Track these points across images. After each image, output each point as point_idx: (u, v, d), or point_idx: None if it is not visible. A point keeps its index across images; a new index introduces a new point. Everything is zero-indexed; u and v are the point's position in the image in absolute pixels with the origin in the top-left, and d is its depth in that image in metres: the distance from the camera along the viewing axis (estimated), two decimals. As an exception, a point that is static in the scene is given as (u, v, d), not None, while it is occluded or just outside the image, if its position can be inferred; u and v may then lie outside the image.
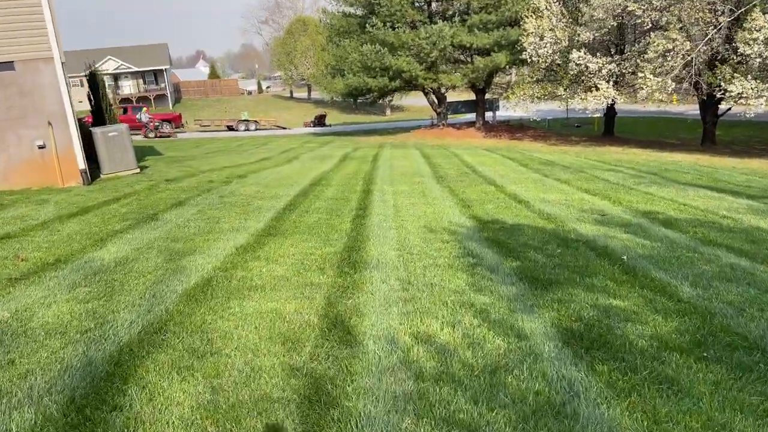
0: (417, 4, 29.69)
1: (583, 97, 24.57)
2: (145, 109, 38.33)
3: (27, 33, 10.38)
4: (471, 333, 4.11)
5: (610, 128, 30.15)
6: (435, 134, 31.69)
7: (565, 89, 26.17)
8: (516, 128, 33.05)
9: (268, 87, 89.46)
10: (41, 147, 10.86)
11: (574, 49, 23.64)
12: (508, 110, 30.00)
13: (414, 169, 15.90)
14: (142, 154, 20.87)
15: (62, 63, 10.77)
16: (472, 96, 39.23)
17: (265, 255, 6.23)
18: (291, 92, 75.20)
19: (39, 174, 10.96)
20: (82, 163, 11.20)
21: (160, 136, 33.79)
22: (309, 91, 72.06)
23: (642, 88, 21.94)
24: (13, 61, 10.44)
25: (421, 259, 6.17)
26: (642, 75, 21.84)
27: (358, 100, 49.49)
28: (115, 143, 12.05)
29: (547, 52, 25.07)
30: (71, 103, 10.98)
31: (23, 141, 10.77)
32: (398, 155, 20.66)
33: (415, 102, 58.93)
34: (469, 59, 31.03)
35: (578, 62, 23.24)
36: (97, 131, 11.99)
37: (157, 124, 34.64)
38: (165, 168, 14.57)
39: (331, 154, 20.94)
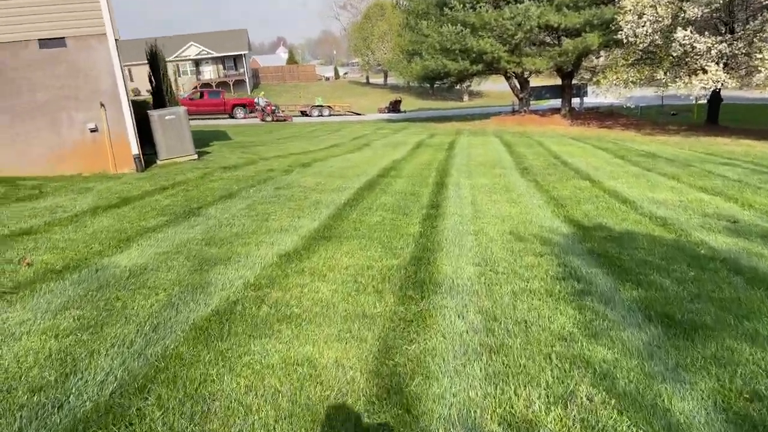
0: (501, -18, 27.67)
1: (686, 81, 21.93)
2: (262, 93, 38.94)
3: (79, 7, 9.64)
4: (594, 420, 2.70)
5: (713, 116, 27.09)
6: (516, 121, 29.69)
7: (665, 72, 23.54)
8: (605, 116, 30.49)
9: (345, 73, 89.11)
10: (93, 130, 10.17)
11: (679, 28, 21.06)
12: (598, 96, 27.56)
13: (494, 159, 14.33)
14: (211, 138, 20.35)
15: (116, 40, 9.99)
16: (556, 81, 36.73)
17: (312, 267, 5.01)
18: (367, 78, 74.33)
19: (91, 159, 10.28)
20: (135, 148, 10.44)
21: (276, 120, 33.78)
22: (385, 76, 70.95)
23: (760, 71, 19.22)
24: (64, 38, 9.75)
25: (509, 281, 4.76)
26: (760, 56, 19.11)
27: (435, 85, 47.92)
28: (172, 127, 11.26)
29: (646, 32, 22.54)
30: (125, 84, 10.21)
31: (75, 123, 10.11)
32: (476, 143, 19.07)
33: (494, 87, 56.52)
34: (555, 41, 28.75)
35: (683, 42, 20.68)
36: (154, 114, 11.23)
37: (273, 108, 34.65)
38: (226, 154, 13.73)
39: (404, 141, 19.63)
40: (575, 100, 32.31)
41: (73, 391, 2.79)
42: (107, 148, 10.30)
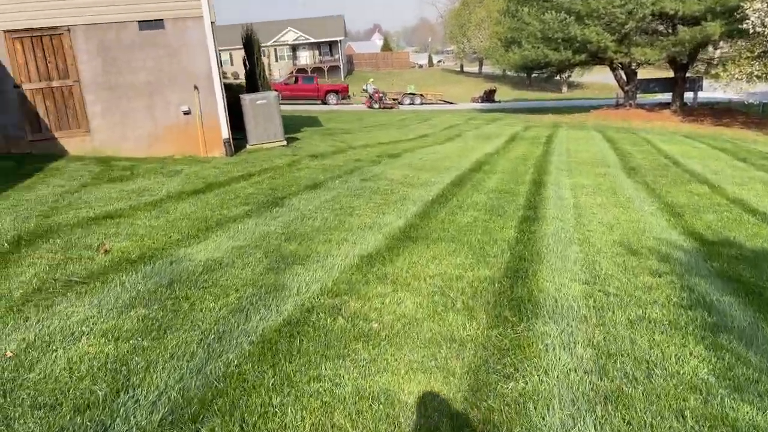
0: (611, -34, 25.83)
1: (823, 76, 19.60)
2: (371, 80, 39.89)
3: (177, -12, 9.66)
4: None
5: None
6: (620, 115, 27.83)
7: (797, 66, 21.18)
8: (722, 112, 27.95)
9: (439, 61, 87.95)
10: (186, 113, 10.21)
11: (818, 16, 18.77)
12: (716, 91, 25.26)
13: (597, 156, 13.28)
14: (302, 124, 20.40)
15: (212, 23, 9.94)
16: (666, 73, 34.16)
17: (395, 273, 4.54)
18: (461, 66, 72.93)
19: (182, 142, 10.34)
20: (225, 132, 10.39)
21: (384, 107, 34.01)
22: (480, 65, 69.27)
23: None
24: (162, 20, 9.80)
25: (624, 306, 4.07)
26: None
27: (533, 75, 46.10)
28: (262, 112, 11.14)
29: (778, 20, 20.31)
30: (219, 67, 10.16)
31: (169, 106, 10.18)
32: (576, 138, 17.90)
33: (595, 79, 53.66)
34: (669, 30, 26.59)
35: (825, 32, 18.40)
36: (245, 98, 11.15)
37: (381, 95, 34.91)
38: (316, 141, 13.53)
39: (498, 133, 18.76)
40: (688, 95, 29.87)
41: (121, 413, 2.47)
42: (198, 131, 10.32)
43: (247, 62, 13.88)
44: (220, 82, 10.22)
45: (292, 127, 17.93)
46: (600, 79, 53.89)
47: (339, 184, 8.11)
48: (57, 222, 5.57)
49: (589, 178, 10.09)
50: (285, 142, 11.78)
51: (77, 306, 3.60)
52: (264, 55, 63.34)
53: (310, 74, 41.79)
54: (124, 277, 4.16)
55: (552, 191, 8.63)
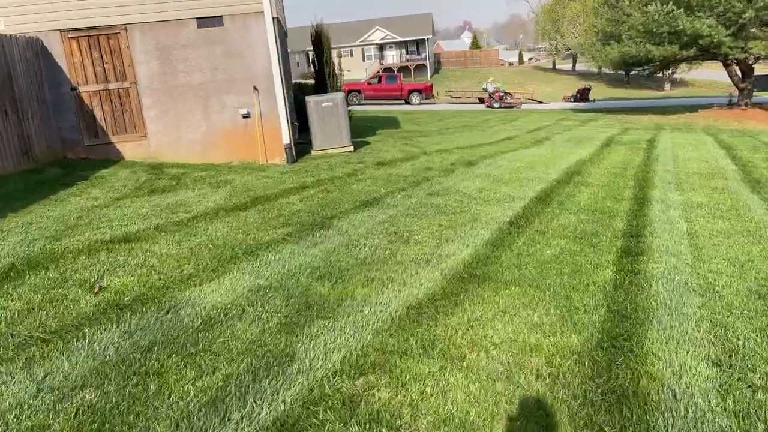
0: (728, -51, 23.05)
1: None
2: (491, 78, 38.98)
3: (237, -18, 8.94)
4: None
5: None
6: (733, 116, 24.93)
7: None
8: None
9: (530, 58, 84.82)
10: (245, 116, 9.48)
11: None
12: None
13: (710, 165, 11.40)
14: (379, 125, 19.49)
15: (273, 19, 9.14)
16: (789, 69, 30.53)
17: (448, 337, 3.40)
18: (554, 63, 69.75)
19: (241, 147, 9.63)
20: (286, 137, 9.58)
21: (505, 106, 32.85)
22: (574, 62, 65.90)
23: None
24: (222, 16, 9.12)
25: (782, 414, 2.73)
26: None
27: (631, 72, 42.90)
28: (328, 115, 10.26)
29: None
30: (280, 66, 9.35)
31: (226, 108, 9.50)
32: (684, 142, 15.82)
33: (702, 75, 49.38)
34: (796, 19, 23.45)
35: None
36: (310, 100, 10.31)
37: (502, 94, 33.77)
38: (387, 146, 12.50)
39: (591, 137, 16.98)
40: (816, 93, 26.36)
41: None
42: (258, 136, 9.58)
43: (315, 62, 13.08)
44: (282, 82, 9.42)
45: (367, 129, 17.07)
46: (706, 75, 49.53)
47: (400, 200, 7.03)
48: (64, 247, 4.86)
49: (703, 193, 8.44)
50: (352, 148, 10.84)
51: (12, 383, 2.74)
52: (348, 55, 63.57)
53: (393, 73, 40.94)
54: (99, 334, 3.30)
55: (658, 211, 7.13)
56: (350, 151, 10.76)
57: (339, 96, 10.53)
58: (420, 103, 34.65)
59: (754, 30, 22.95)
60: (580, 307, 3.96)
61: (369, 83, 35.30)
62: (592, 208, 7.17)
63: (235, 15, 9.17)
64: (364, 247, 5.12)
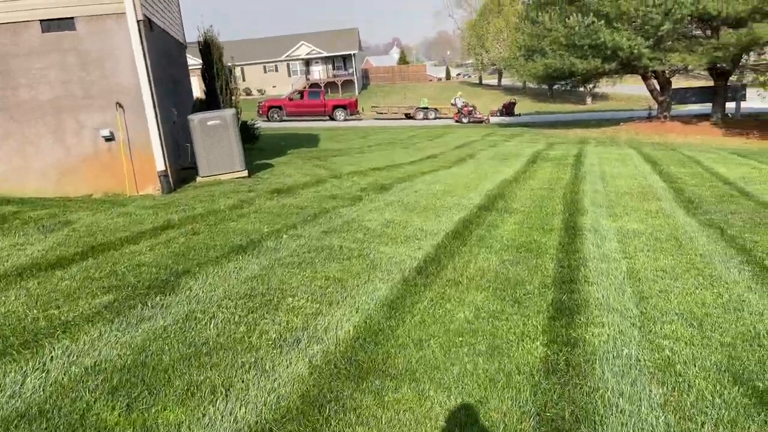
0: (644, -37, 23.14)
1: None
2: (459, 93, 38.58)
3: (91, -24, 7.36)
4: None
5: None
6: (654, 129, 25.04)
7: None
8: (770, 124, 25.01)
9: (458, 74, 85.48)
10: (108, 138, 7.86)
11: None
12: (765, 100, 22.37)
13: (639, 182, 10.66)
14: (295, 144, 18.02)
15: (140, 21, 7.62)
16: (702, 82, 31.29)
17: None
18: (480, 78, 70.40)
19: (106, 176, 7.97)
20: (161, 163, 8.01)
21: (474, 121, 32.26)
22: (499, 77, 66.72)
23: None
24: (73, 18, 7.52)
25: None
26: None
27: (554, 86, 43.39)
28: (216, 136, 8.76)
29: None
30: (150, 79, 7.80)
31: (85, 129, 7.84)
32: (610, 157, 15.26)
33: (621, 89, 50.75)
34: (708, 33, 23.84)
35: None
36: (194, 119, 8.75)
37: (471, 108, 33.05)
38: (292, 169, 11.03)
39: (517, 153, 16.20)
40: (729, 105, 26.95)
41: None
42: (124, 162, 7.96)
43: (205, 74, 11.51)
44: (153, 97, 7.85)
45: (278, 149, 15.59)
46: (625, 89, 50.92)
47: (286, 242, 5.64)
48: None
49: (638, 218, 7.53)
50: (246, 173, 9.33)
51: None
52: (273, 70, 61.80)
53: (315, 89, 39.56)
54: None
55: (592, 245, 6.09)
56: (244, 177, 9.26)
57: (229, 113, 9.02)
58: (345, 120, 33.41)
59: (670, 43, 23.13)
60: (498, 422, 2.70)
61: (291, 99, 33.77)
62: (516, 244, 6.04)
63: (91, 17, 7.57)
64: (210, 324, 3.70)
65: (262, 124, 20.19)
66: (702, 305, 4.34)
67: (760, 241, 6.34)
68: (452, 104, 34.34)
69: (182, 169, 9.64)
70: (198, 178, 8.98)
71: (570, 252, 5.79)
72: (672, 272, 5.17)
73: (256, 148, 14.92)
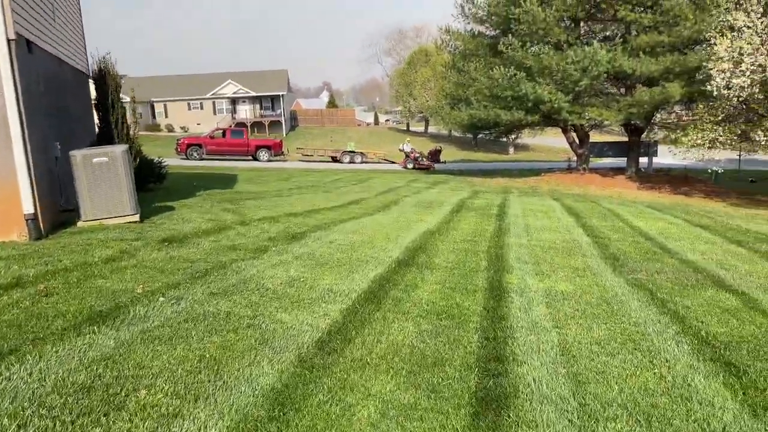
0: (564, 23, 23.98)
1: (796, 144, 17.74)
2: (408, 139, 39.01)
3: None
4: None
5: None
6: (573, 180, 25.60)
7: (765, 133, 19.39)
8: (679, 180, 26.16)
9: (387, 120, 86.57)
10: (-35, 175, 6.65)
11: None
12: (675, 156, 23.30)
13: (564, 236, 10.33)
14: (208, 185, 16.88)
15: (10, 41, 6.55)
16: (616, 137, 32.68)
17: None
18: (407, 125, 71.46)
19: (-40, 218, 6.72)
20: (29, 204, 6.82)
21: (418, 168, 32.02)
22: (426, 124, 67.95)
23: None
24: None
25: None
26: None
27: (479, 136, 44.31)
28: (103, 175, 7.67)
29: (744, 84, 18.52)
30: (19, 106, 6.68)
31: (-67, 163, 6.61)
32: (533, 208, 15.08)
33: (542, 141, 52.68)
34: (624, 91, 24.88)
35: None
36: (76, 155, 7.59)
37: (417, 155, 33.09)
38: (196, 213, 9.96)
39: (441, 201, 15.79)
40: (643, 160, 28.10)
41: None
42: (-18, 203, 6.73)
43: (100, 107, 10.37)
44: (22, 127, 6.71)
45: (188, 189, 14.43)
46: (546, 141, 52.87)
47: (161, 307, 4.65)
48: None
49: (565, 276, 7.05)
50: (137, 217, 8.22)
51: None
52: (198, 108, 60.16)
53: (238, 128, 38.41)
54: None
55: (519, 310, 5.47)
56: (135, 222, 8.14)
57: (119, 149, 7.93)
58: (269, 160, 32.41)
59: (587, 98, 23.89)
60: None
61: (212, 137, 32.46)
62: (437, 308, 5.33)
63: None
64: (17, 435, 2.70)
65: (177, 162, 18.97)
66: (645, 392, 3.73)
67: (691, 306, 5.95)
68: (400, 149, 34.61)
69: (65, 211, 8.42)
70: (79, 223, 7.79)
71: (495, 319, 5.13)
72: (608, 346, 4.58)
73: (162, 188, 13.72)
